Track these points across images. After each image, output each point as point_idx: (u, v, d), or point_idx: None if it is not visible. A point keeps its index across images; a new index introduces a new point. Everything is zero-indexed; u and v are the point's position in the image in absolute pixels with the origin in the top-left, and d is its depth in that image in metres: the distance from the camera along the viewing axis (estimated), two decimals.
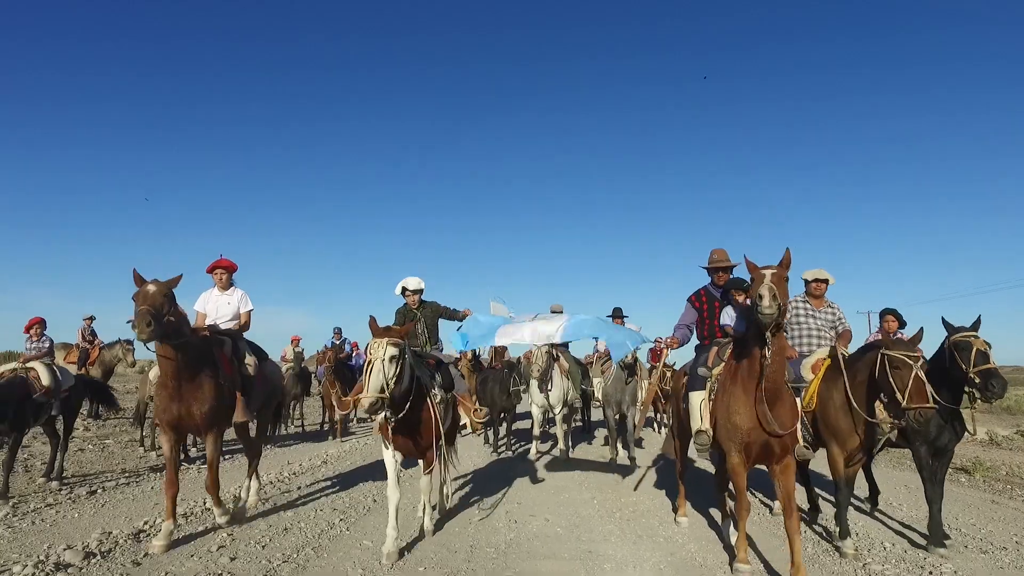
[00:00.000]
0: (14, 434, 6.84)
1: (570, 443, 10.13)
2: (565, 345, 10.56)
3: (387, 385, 4.31)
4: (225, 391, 5.29)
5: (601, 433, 13.19)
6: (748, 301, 4.74)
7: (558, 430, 9.63)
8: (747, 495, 4.46)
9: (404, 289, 6.24)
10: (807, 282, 5.89)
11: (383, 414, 4.54)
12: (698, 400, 4.79)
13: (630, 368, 8.94)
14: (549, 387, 9.33)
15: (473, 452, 10.39)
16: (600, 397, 9.73)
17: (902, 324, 7.17)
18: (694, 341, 5.78)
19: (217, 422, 5.21)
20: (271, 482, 7.56)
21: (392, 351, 4.38)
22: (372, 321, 4.66)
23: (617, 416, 9.16)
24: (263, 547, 4.86)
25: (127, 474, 8.02)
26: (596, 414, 14.61)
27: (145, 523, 5.50)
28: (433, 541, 5.13)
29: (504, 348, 13.10)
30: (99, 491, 6.86)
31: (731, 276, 5.56)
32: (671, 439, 6.01)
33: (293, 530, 5.37)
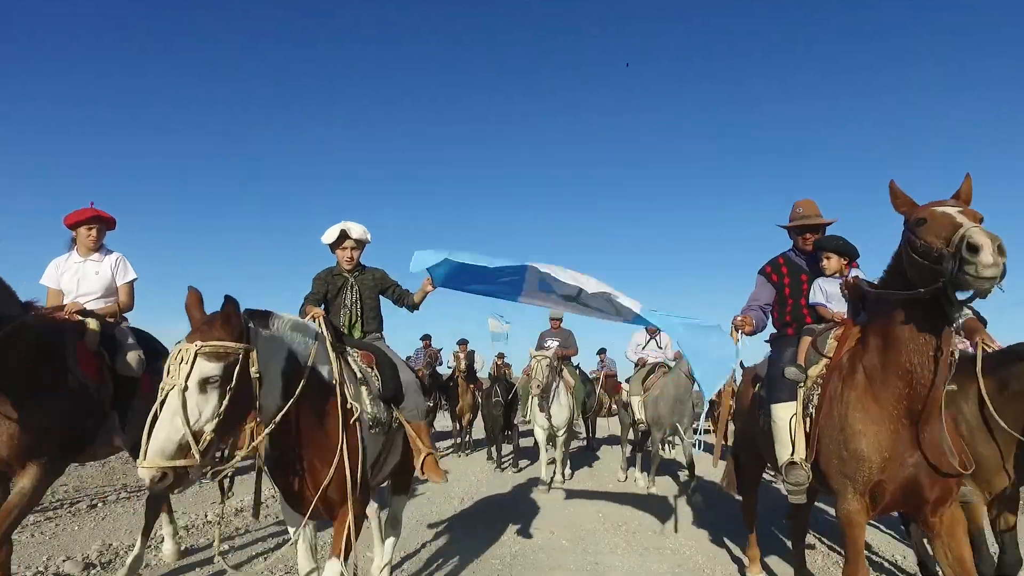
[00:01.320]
0: None
1: (567, 470, 9.56)
2: (567, 358, 10.35)
3: (193, 442, 2.12)
4: (75, 402, 3.53)
5: (606, 452, 13.08)
6: (849, 274, 3.56)
7: (556, 454, 8.45)
8: (864, 560, 3.02)
9: (344, 235, 3.94)
10: None
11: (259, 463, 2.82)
12: (787, 416, 3.37)
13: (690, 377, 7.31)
14: (551, 405, 8.05)
15: (476, 467, 10.30)
16: (646, 418, 8.15)
17: None
18: (770, 328, 4.20)
19: (42, 450, 3.35)
20: (273, 496, 7.48)
21: (208, 369, 2.21)
22: (192, 299, 2.42)
23: (662, 440, 7.92)
24: (265, 559, 4.81)
25: (128, 488, 7.95)
26: (600, 431, 14.48)
27: None
28: (437, 553, 5.06)
29: (507, 364, 13.03)
30: (99, 505, 6.82)
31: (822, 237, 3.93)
32: (732, 471, 4.64)
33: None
